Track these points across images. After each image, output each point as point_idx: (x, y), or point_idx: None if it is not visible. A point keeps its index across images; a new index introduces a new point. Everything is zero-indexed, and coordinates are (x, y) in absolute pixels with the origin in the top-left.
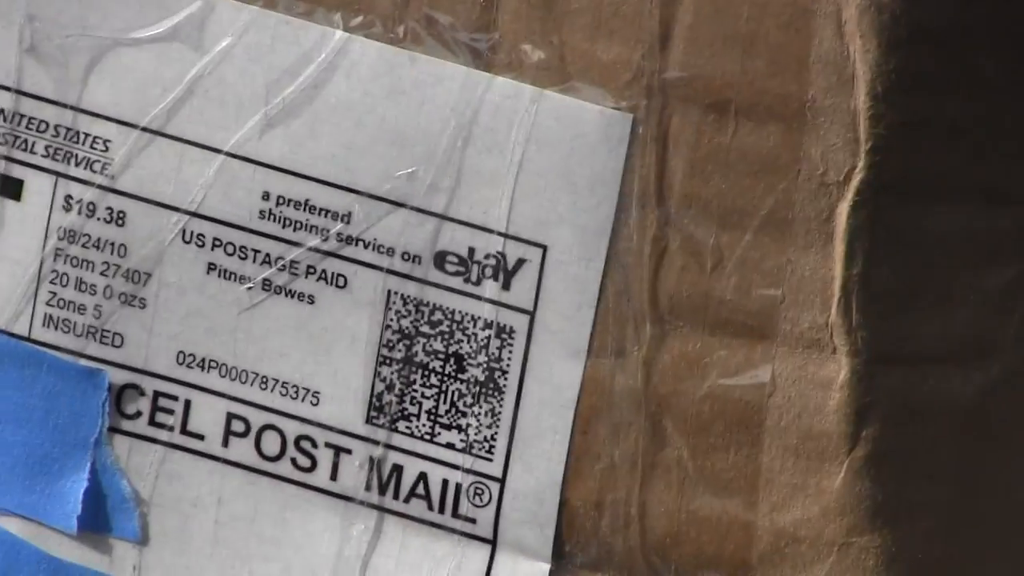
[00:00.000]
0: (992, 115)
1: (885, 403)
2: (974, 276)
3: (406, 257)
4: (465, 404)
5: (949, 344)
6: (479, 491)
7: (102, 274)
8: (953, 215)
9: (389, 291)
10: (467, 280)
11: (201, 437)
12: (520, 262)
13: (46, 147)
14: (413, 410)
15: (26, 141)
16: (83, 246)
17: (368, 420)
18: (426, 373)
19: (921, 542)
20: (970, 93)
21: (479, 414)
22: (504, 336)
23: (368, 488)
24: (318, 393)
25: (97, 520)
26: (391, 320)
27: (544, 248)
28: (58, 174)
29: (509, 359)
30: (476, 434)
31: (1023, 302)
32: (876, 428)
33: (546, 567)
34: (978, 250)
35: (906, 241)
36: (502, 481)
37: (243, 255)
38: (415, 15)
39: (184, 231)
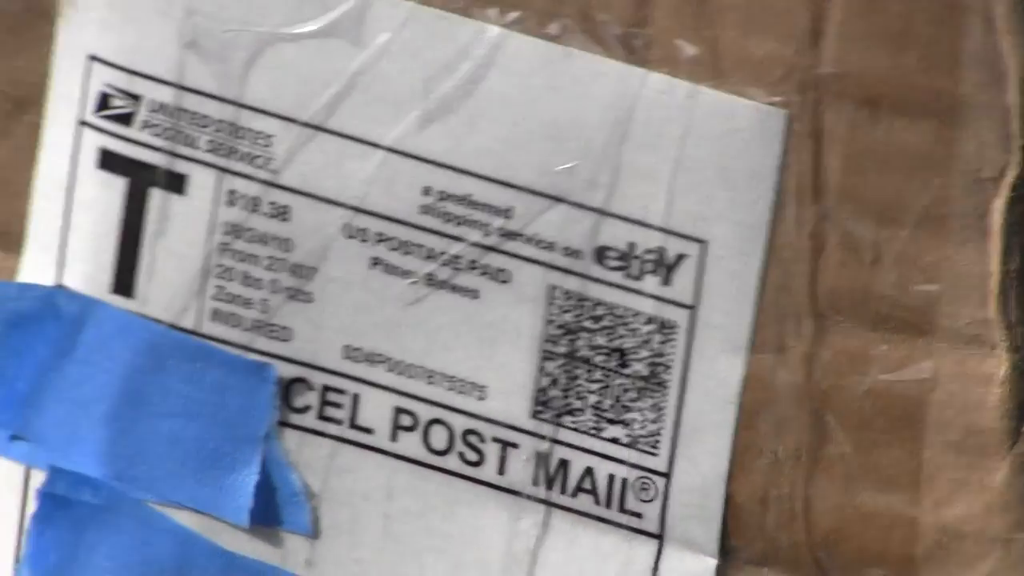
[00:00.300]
0: None
1: None
2: None
3: (567, 252)
4: (629, 399)
5: None
6: (645, 486)
7: (268, 268)
8: None
9: (551, 286)
10: (628, 275)
11: (370, 431)
12: (680, 257)
13: (209, 142)
14: (578, 405)
15: (189, 136)
16: (248, 241)
17: (534, 415)
18: (590, 368)
19: None
20: None
21: (643, 409)
22: (666, 331)
23: (536, 482)
24: (484, 387)
25: (268, 514)
26: (554, 315)
27: (703, 243)
28: (221, 169)
29: (672, 354)
30: (641, 429)
31: None
32: None
33: (713, 562)
34: None
35: None
36: (668, 476)
37: (406, 250)
38: (569, 11)
39: (348, 226)
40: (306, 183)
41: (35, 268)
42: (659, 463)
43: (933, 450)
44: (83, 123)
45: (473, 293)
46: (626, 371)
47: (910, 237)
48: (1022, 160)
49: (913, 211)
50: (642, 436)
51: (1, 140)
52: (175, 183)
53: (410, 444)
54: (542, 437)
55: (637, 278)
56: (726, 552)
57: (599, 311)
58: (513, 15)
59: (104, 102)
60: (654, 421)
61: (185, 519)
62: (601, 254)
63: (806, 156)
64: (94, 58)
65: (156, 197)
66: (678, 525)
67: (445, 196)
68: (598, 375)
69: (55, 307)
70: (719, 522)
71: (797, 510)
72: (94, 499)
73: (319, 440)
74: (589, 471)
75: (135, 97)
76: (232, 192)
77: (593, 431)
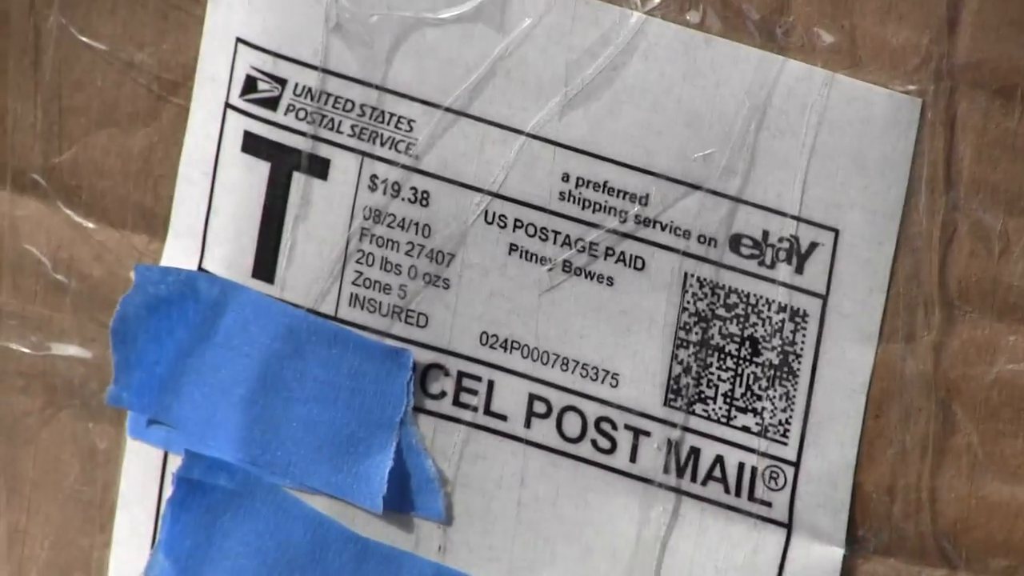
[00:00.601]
0: None
1: None
2: None
3: (702, 240)
4: (760, 387)
5: None
6: (774, 475)
7: (407, 254)
8: None
9: (686, 273)
10: (761, 263)
11: (504, 418)
12: (813, 245)
13: (352, 127)
14: (710, 393)
15: (332, 120)
16: (388, 226)
17: (666, 403)
18: (722, 356)
19: None
20: None
21: (774, 397)
22: (798, 320)
23: (666, 471)
24: (617, 375)
25: (402, 500)
26: (688, 303)
27: (836, 232)
28: (364, 154)
29: (803, 343)
30: (771, 417)
31: None
32: None
33: (840, 552)
34: None
35: None
36: (796, 465)
37: (543, 236)
38: None
39: (486, 212)
40: (446, 168)
41: (178, 252)
42: (788, 452)
43: None
44: (229, 106)
45: (608, 280)
46: (758, 359)
47: None
48: None
49: None
50: (772, 425)
51: (149, 123)
52: (318, 167)
53: (543, 431)
54: (673, 425)
55: (770, 266)
56: (853, 541)
57: (732, 299)
58: (655, 1)
59: (250, 85)
60: (784, 410)
61: (320, 504)
62: (736, 242)
63: (939, 145)
64: (241, 40)
65: (299, 181)
66: (806, 514)
67: (583, 182)
68: (730, 363)
69: (196, 291)
70: (847, 512)
71: (923, 500)
72: (229, 484)
73: (453, 426)
74: (719, 459)
75: (280, 81)
76: (374, 177)
77: (724, 419)
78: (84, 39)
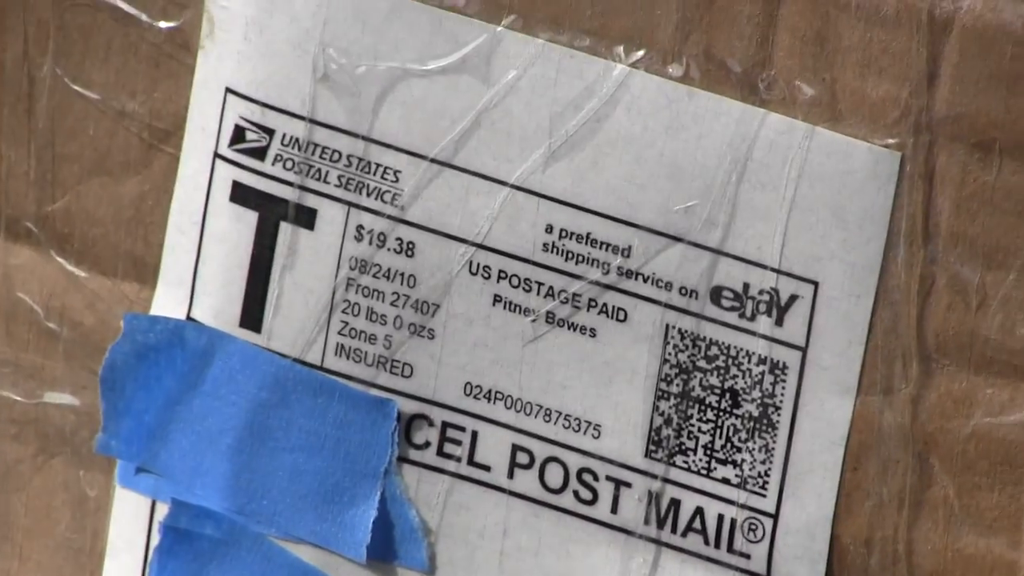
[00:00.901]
0: None
1: None
2: None
3: (683, 292)
4: (740, 439)
5: None
6: (753, 526)
7: (392, 304)
8: None
9: (667, 325)
10: (742, 315)
11: (488, 468)
12: (793, 298)
13: (339, 177)
14: (690, 444)
15: (319, 170)
16: (374, 276)
17: (647, 454)
18: (703, 408)
19: None
20: None
21: (753, 449)
22: (777, 372)
23: (647, 522)
24: (599, 426)
25: (386, 549)
26: (669, 354)
27: (816, 284)
28: (350, 204)
29: (782, 395)
30: (750, 469)
31: None
32: None
33: None
34: None
35: None
36: (775, 517)
37: (527, 287)
38: (693, 50)
39: (471, 263)
40: (431, 219)
41: (167, 301)
42: (767, 504)
43: None
44: (218, 156)
45: (591, 331)
46: (738, 411)
47: (1017, 281)
48: None
49: (1020, 255)
50: (751, 477)
51: (141, 172)
52: (305, 217)
53: (526, 482)
54: (654, 476)
55: (751, 319)
56: None
57: (713, 351)
58: (639, 54)
59: (239, 135)
60: (763, 462)
61: (305, 554)
62: (717, 294)
63: (918, 198)
64: (230, 91)
65: (286, 231)
66: (784, 566)
67: (566, 234)
68: (710, 415)
69: (184, 340)
70: (824, 564)
71: (900, 552)
72: (216, 533)
73: (437, 476)
74: (699, 511)
75: (268, 131)
76: (360, 227)
77: (704, 471)
78: (77, 88)
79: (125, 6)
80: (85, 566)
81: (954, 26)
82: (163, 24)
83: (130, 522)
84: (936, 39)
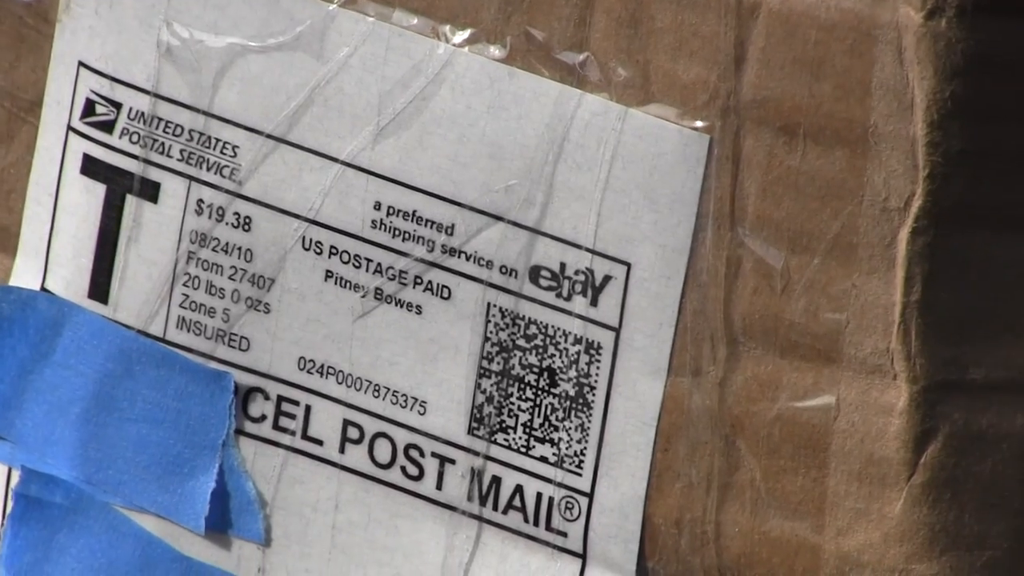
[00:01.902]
0: None
1: (945, 430)
2: None
3: (504, 270)
4: (557, 418)
5: (1012, 373)
6: (569, 505)
7: (230, 278)
8: (1019, 244)
9: (489, 303)
10: (559, 295)
11: (320, 443)
12: (607, 279)
13: (180, 151)
14: (510, 422)
15: (163, 144)
16: (213, 250)
17: (470, 431)
18: (522, 386)
19: (983, 572)
20: None
21: (570, 428)
22: (592, 352)
23: (470, 498)
24: (425, 403)
25: (224, 521)
26: (490, 332)
27: (628, 265)
28: (191, 178)
29: (597, 375)
30: (567, 448)
31: None
32: (935, 455)
33: None
34: None
35: (968, 269)
36: (591, 496)
37: (357, 263)
38: (515, 30)
39: (304, 238)
40: (267, 194)
41: (25, 271)
42: (583, 483)
43: (836, 478)
44: (71, 129)
45: (417, 308)
46: (555, 390)
47: (820, 265)
48: (926, 191)
49: (824, 239)
50: (568, 456)
51: (7, 144)
52: (149, 191)
53: (357, 456)
54: (476, 454)
55: (567, 299)
56: (644, 573)
57: (532, 330)
58: (464, 33)
59: (89, 108)
60: (579, 441)
61: (148, 523)
62: (535, 273)
63: (726, 181)
64: (83, 64)
65: (131, 204)
66: (599, 545)
67: (394, 211)
68: (529, 394)
69: (36, 310)
70: (637, 543)
71: (709, 534)
72: (65, 501)
73: (273, 450)
74: (519, 489)
75: (116, 104)
76: (200, 201)
77: (523, 449)
78: None
79: None
80: None
81: (761, 10)
82: None
83: None
84: (744, 23)
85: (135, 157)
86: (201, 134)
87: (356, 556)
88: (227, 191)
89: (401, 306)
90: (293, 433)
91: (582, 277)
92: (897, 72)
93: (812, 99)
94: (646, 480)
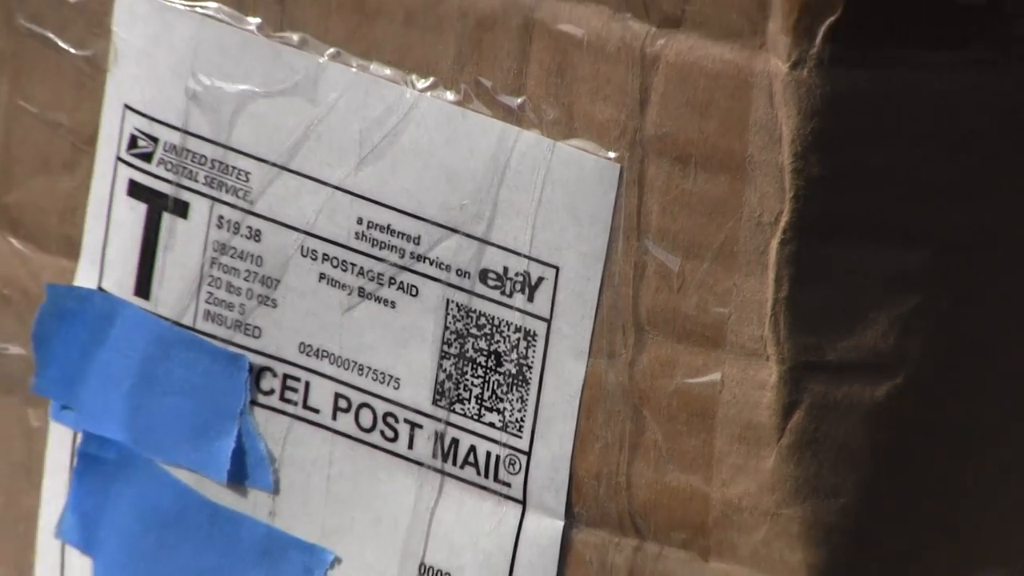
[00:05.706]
0: (908, 166)
1: (807, 401)
2: (884, 301)
3: (459, 273)
4: (502, 392)
5: (862, 355)
6: (512, 461)
7: (245, 279)
8: (869, 251)
9: (448, 300)
10: (503, 293)
11: (317, 411)
12: (540, 279)
13: (205, 177)
14: (466, 395)
15: (191, 171)
16: (231, 256)
17: (434, 402)
18: (475, 366)
19: (838, 515)
20: (885, 150)
21: (512, 400)
22: (530, 339)
23: (434, 456)
24: (398, 379)
25: (242, 473)
26: (450, 323)
27: (557, 268)
28: (214, 199)
29: (533, 357)
30: (510, 416)
31: (926, 324)
32: (799, 422)
33: (560, 524)
34: (888, 280)
35: (827, 272)
36: (529, 454)
37: (344, 268)
38: (468, 79)
39: (302, 247)
40: (273, 212)
41: (85, 274)
42: (523, 444)
43: (722, 440)
44: (119, 159)
45: (392, 304)
46: (501, 370)
47: (708, 269)
48: (792, 208)
49: (711, 248)
50: (511, 422)
51: (72, 171)
52: (180, 209)
53: (346, 422)
54: (439, 420)
55: (510, 296)
56: (571, 516)
57: (482, 321)
58: (427, 81)
59: (133, 142)
60: (520, 410)
61: (182, 476)
62: (484, 275)
63: (633, 201)
64: (127, 107)
65: (167, 220)
66: (537, 494)
67: (373, 225)
68: (480, 372)
69: (94, 305)
70: (565, 492)
71: (621, 485)
72: (117, 458)
73: (280, 417)
74: (472, 448)
75: (154, 139)
76: (220, 217)
77: (476, 416)
78: (22, 103)
79: (56, 39)
80: (34, 482)
81: (660, 62)
82: (83, 52)
83: (58, 448)
84: (647, 72)
85: (169, 182)
86: (221, 163)
87: (346, 502)
88: (242, 209)
89: (379, 302)
90: (296, 404)
91: (521, 278)
92: (769, 112)
93: (701, 134)
94: (572, 441)
